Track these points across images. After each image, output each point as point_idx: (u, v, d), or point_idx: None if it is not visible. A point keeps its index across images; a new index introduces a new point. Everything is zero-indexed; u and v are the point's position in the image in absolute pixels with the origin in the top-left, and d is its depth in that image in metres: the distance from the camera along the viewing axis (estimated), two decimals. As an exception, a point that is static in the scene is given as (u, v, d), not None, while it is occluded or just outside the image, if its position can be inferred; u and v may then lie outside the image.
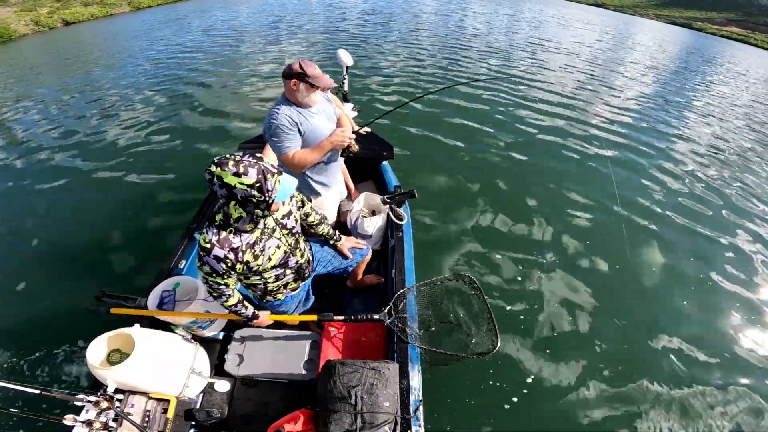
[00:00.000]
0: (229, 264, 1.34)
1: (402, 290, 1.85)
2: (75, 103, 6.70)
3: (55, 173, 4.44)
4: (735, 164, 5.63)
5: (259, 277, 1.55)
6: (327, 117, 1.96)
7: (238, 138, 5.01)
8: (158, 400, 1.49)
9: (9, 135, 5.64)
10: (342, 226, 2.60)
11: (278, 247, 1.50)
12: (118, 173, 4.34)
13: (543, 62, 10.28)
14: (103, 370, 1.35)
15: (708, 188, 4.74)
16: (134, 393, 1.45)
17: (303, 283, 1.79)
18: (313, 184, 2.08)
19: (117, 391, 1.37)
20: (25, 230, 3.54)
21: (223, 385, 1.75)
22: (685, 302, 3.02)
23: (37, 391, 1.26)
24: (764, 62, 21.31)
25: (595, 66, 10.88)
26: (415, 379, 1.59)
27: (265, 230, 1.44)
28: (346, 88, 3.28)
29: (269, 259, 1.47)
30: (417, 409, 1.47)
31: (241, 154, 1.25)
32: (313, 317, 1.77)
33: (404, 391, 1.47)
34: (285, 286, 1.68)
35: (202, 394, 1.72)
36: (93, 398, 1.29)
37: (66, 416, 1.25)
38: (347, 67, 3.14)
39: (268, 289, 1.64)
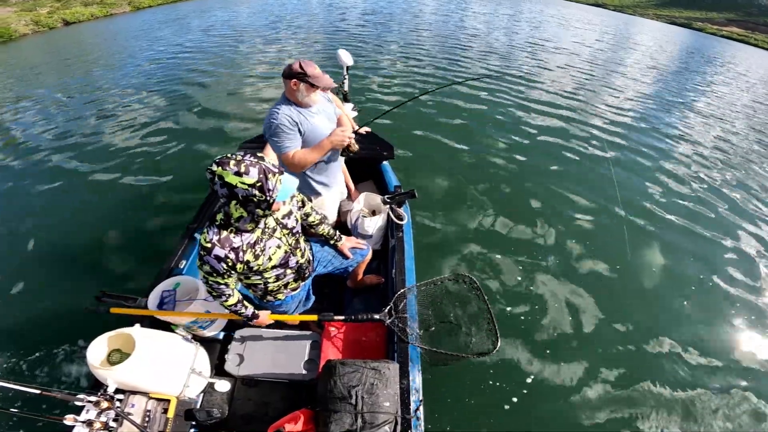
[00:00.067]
0: (230, 264, 1.34)
1: (402, 290, 1.85)
2: (75, 104, 6.70)
3: (54, 174, 4.44)
4: (736, 165, 5.62)
5: (259, 277, 1.55)
6: (327, 117, 1.96)
7: (238, 138, 5.01)
8: (158, 400, 1.49)
9: (9, 135, 5.64)
10: (342, 226, 2.60)
11: (279, 246, 1.50)
12: (118, 174, 4.34)
13: (543, 62, 10.28)
14: (103, 370, 1.35)
15: (709, 190, 4.73)
16: (134, 393, 1.45)
17: (303, 283, 1.79)
18: (314, 184, 2.08)
19: (117, 391, 1.37)
20: (25, 230, 3.53)
21: (223, 385, 1.75)
22: (685, 304, 3.02)
23: (38, 391, 1.26)
24: (765, 62, 21.30)
25: (596, 66, 10.88)
26: (416, 379, 1.59)
27: (266, 230, 1.44)
28: (346, 88, 3.28)
29: (270, 258, 1.47)
30: (417, 409, 1.47)
31: (242, 153, 1.24)
32: (314, 317, 1.77)
33: (404, 391, 1.47)
34: (285, 286, 1.68)
35: (202, 394, 1.71)
36: (93, 398, 1.29)
37: (66, 416, 1.25)
38: (347, 67, 3.13)
39: (269, 289, 1.64)
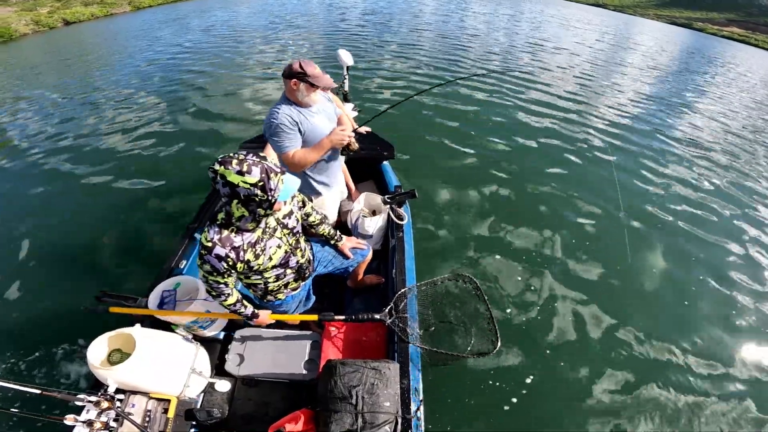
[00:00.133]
0: (230, 263, 1.34)
1: (402, 290, 1.85)
2: (75, 104, 6.70)
3: (53, 174, 4.44)
4: (739, 168, 5.57)
5: (259, 277, 1.55)
6: (327, 116, 1.96)
7: (237, 139, 5.00)
8: (159, 400, 1.49)
9: (8, 136, 5.64)
10: (342, 226, 2.61)
11: (279, 246, 1.50)
12: (118, 175, 4.33)
13: (544, 63, 10.27)
14: (103, 370, 1.35)
15: (711, 192, 4.70)
16: (135, 393, 1.45)
17: (303, 282, 1.79)
18: (314, 183, 2.08)
19: (118, 391, 1.37)
20: (26, 231, 3.54)
21: (223, 385, 1.75)
22: (687, 308, 3.00)
23: (38, 391, 1.26)
24: (765, 63, 21.29)
25: (596, 67, 10.87)
26: (416, 379, 1.59)
27: (267, 230, 1.44)
28: (346, 88, 3.28)
29: (270, 258, 1.47)
30: (417, 408, 1.47)
31: (244, 153, 1.25)
32: (314, 317, 1.77)
33: (405, 391, 1.47)
34: (285, 285, 1.68)
35: (202, 394, 1.72)
36: (94, 398, 1.29)
37: (67, 416, 1.25)
38: (348, 67, 3.13)
39: (269, 288, 1.64)
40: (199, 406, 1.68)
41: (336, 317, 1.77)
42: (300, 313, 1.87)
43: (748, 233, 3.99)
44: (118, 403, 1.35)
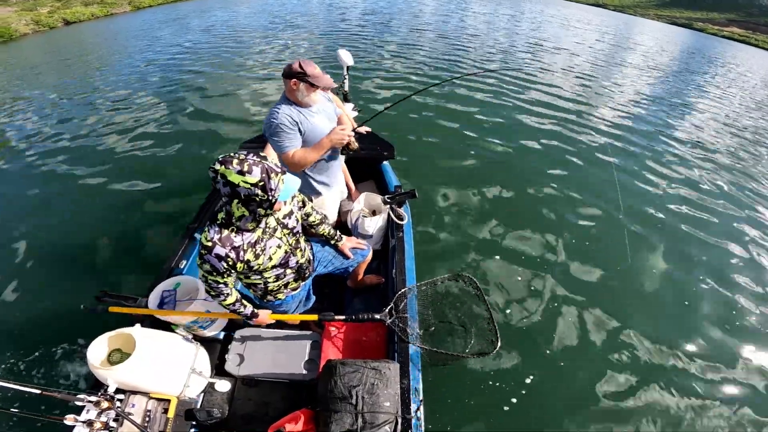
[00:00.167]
0: (230, 262, 1.34)
1: (403, 290, 1.85)
2: (75, 104, 6.70)
3: (53, 175, 4.44)
4: (741, 168, 5.55)
5: (259, 277, 1.55)
6: (327, 116, 1.96)
7: (237, 139, 5.00)
8: (159, 400, 1.49)
9: (8, 135, 5.64)
10: (342, 226, 2.60)
11: (279, 246, 1.50)
12: (118, 175, 4.33)
13: (544, 63, 10.27)
14: (103, 370, 1.35)
15: (711, 193, 4.68)
16: (135, 393, 1.45)
17: (303, 282, 1.79)
18: (315, 183, 2.08)
19: (118, 391, 1.37)
20: (25, 231, 3.54)
21: (223, 385, 1.75)
22: (687, 308, 3.00)
23: (38, 391, 1.26)
24: (766, 63, 21.28)
25: (597, 67, 10.87)
26: (416, 379, 1.59)
27: (267, 230, 1.44)
28: (346, 87, 3.28)
29: (270, 258, 1.47)
30: (418, 409, 1.47)
31: (245, 153, 1.25)
32: (314, 317, 1.77)
33: (405, 391, 1.47)
34: (285, 285, 1.68)
35: (202, 394, 1.72)
36: (94, 398, 1.29)
37: (67, 416, 1.25)
38: (348, 67, 3.13)
39: (269, 288, 1.64)
40: (199, 406, 1.68)
41: (336, 317, 1.77)
42: (300, 313, 1.87)
43: (748, 234, 3.98)
44: (118, 403, 1.36)
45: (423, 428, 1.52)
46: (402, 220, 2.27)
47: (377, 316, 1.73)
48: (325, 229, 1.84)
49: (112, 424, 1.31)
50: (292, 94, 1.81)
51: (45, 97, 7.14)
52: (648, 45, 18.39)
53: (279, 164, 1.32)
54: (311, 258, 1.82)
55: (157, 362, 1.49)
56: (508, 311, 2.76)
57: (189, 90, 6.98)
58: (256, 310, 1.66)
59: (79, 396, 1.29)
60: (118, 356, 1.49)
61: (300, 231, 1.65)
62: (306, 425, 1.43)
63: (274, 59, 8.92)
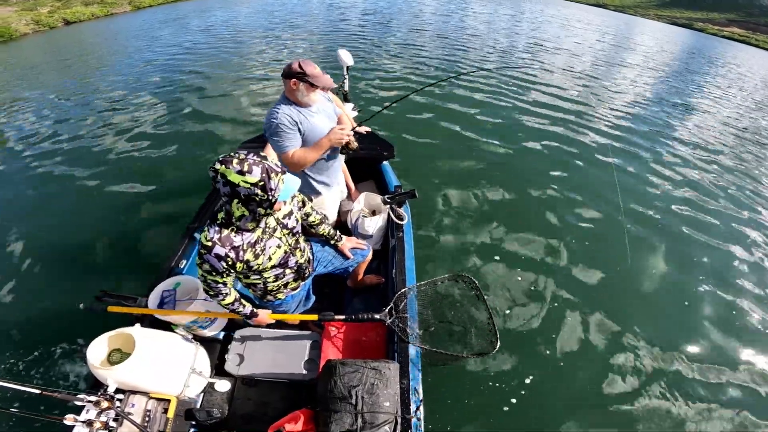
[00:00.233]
0: (230, 262, 1.34)
1: (402, 290, 1.85)
2: (75, 105, 6.71)
3: (52, 174, 4.44)
4: (741, 170, 5.52)
5: (258, 277, 1.55)
6: (327, 116, 1.96)
7: (237, 139, 5.00)
8: (159, 399, 1.49)
9: (8, 136, 5.64)
10: (342, 225, 2.60)
11: (278, 246, 1.50)
12: (117, 175, 4.33)
13: (544, 63, 10.26)
14: (103, 369, 1.35)
15: (712, 195, 4.64)
16: (135, 393, 1.45)
17: (303, 282, 1.79)
18: (314, 183, 2.08)
19: (117, 390, 1.37)
20: (25, 231, 3.54)
21: (223, 385, 1.75)
22: (687, 309, 2.99)
23: (38, 391, 1.26)
24: (766, 63, 21.27)
25: (597, 67, 10.85)
26: (416, 379, 1.59)
27: (266, 230, 1.44)
28: (346, 87, 3.28)
29: (269, 258, 1.47)
30: (417, 409, 1.47)
31: (245, 152, 1.25)
32: (314, 317, 1.77)
33: (405, 391, 1.47)
34: (285, 285, 1.68)
35: (202, 394, 1.72)
36: (93, 398, 1.29)
37: (66, 416, 1.25)
38: (348, 67, 3.13)
39: (268, 288, 1.64)
40: (198, 406, 1.68)
41: (336, 317, 1.77)
42: (300, 313, 1.87)
43: (749, 236, 3.95)
44: (117, 403, 1.35)
45: (423, 428, 1.53)
46: (402, 220, 2.27)
47: (377, 316, 1.73)
48: (325, 229, 1.84)
49: (112, 423, 1.31)
50: (291, 94, 1.81)
51: (45, 97, 7.13)
52: (648, 45, 18.37)
53: (279, 164, 1.32)
54: (311, 258, 1.82)
55: (156, 362, 1.49)
56: (507, 311, 2.76)
57: (188, 90, 6.97)
58: (255, 310, 1.66)
59: (78, 396, 1.29)
60: (117, 356, 1.49)
61: (299, 231, 1.65)
62: (306, 425, 1.43)
63: (274, 59, 8.92)
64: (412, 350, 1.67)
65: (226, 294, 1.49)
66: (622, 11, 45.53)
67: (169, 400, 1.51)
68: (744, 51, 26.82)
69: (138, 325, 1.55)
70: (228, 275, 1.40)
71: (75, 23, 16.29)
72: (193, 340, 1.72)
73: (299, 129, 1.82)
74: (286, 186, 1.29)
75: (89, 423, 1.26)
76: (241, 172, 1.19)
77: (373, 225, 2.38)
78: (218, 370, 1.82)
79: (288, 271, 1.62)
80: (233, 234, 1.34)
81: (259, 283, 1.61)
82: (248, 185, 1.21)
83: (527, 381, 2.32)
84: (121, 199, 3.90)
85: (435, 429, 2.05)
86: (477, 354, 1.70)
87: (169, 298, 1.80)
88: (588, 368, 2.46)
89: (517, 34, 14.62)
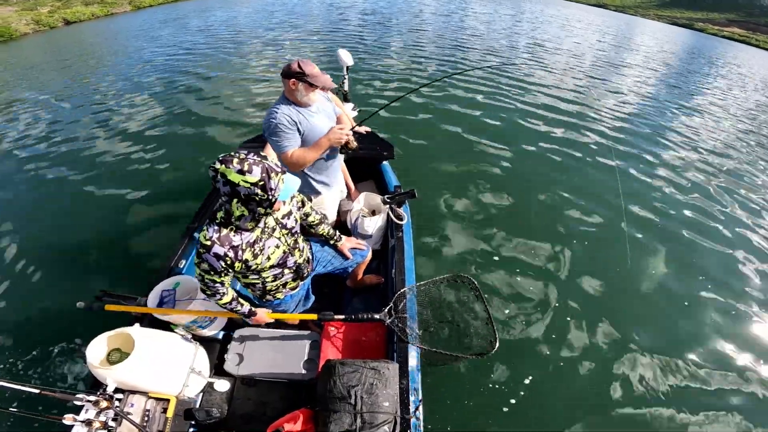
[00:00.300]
0: (229, 262, 1.34)
1: (402, 290, 1.85)
2: (75, 105, 6.70)
3: (51, 175, 4.44)
4: (748, 173, 5.46)
5: (257, 276, 1.55)
6: (326, 116, 1.96)
7: (237, 139, 5.01)
8: (158, 399, 1.49)
9: (8, 136, 5.64)
10: (342, 225, 2.60)
11: (277, 246, 1.50)
12: (117, 175, 4.33)
13: (545, 64, 10.24)
14: (102, 369, 1.35)
15: (713, 197, 4.60)
16: (134, 392, 1.45)
17: (302, 282, 1.79)
18: (314, 183, 2.08)
19: (117, 390, 1.37)
20: (25, 231, 3.54)
21: (222, 385, 1.75)
22: (688, 311, 2.98)
23: (37, 391, 1.26)
24: (767, 63, 21.26)
25: (599, 68, 10.83)
26: (415, 379, 1.59)
27: (266, 229, 1.44)
28: (346, 87, 3.28)
29: (268, 258, 1.47)
30: (417, 409, 1.47)
31: (245, 152, 1.25)
32: (313, 316, 1.77)
33: (404, 391, 1.47)
34: (284, 285, 1.68)
35: (201, 394, 1.72)
36: (92, 398, 1.29)
37: (65, 416, 1.25)
38: (347, 67, 3.13)
39: (267, 288, 1.64)
40: (198, 406, 1.68)
41: (335, 317, 1.76)
42: (299, 313, 1.87)
43: (751, 240, 3.91)
44: (116, 403, 1.35)
45: (422, 428, 1.52)
46: (401, 220, 2.27)
47: (376, 316, 1.73)
48: (325, 229, 1.84)
49: (111, 423, 1.31)
50: (291, 94, 1.81)
51: (45, 97, 7.13)
52: (648, 45, 18.36)
53: (279, 164, 1.31)
54: (310, 258, 1.82)
55: (156, 362, 1.49)
56: (507, 311, 2.76)
57: (188, 91, 6.97)
58: (253, 309, 1.66)
59: (77, 395, 1.29)
60: (117, 356, 1.49)
61: (298, 231, 1.65)
62: (305, 425, 1.43)
63: (274, 59, 8.92)
64: (412, 350, 1.67)
65: (224, 294, 1.48)
66: (623, 11, 45.52)
67: (168, 400, 1.51)
68: (744, 51, 26.81)
69: (137, 324, 1.55)
70: (226, 275, 1.40)
71: (75, 23, 16.31)
72: (192, 340, 1.72)
73: (298, 129, 1.82)
74: (286, 186, 1.29)
75: (88, 422, 1.26)
76: (241, 172, 1.19)
77: (373, 225, 2.38)
78: (217, 369, 1.82)
79: (286, 271, 1.62)
80: (232, 233, 1.33)
81: (258, 283, 1.61)
82: (248, 185, 1.21)
83: (527, 381, 2.32)
84: (120, 200, 3.90)
85: (434, 429, 2.05)
86: (476, 354, 1.70)
87: (168, 297, 1.80)
88: (588, 369, 2.46)
89: (517, 34, 14.61)
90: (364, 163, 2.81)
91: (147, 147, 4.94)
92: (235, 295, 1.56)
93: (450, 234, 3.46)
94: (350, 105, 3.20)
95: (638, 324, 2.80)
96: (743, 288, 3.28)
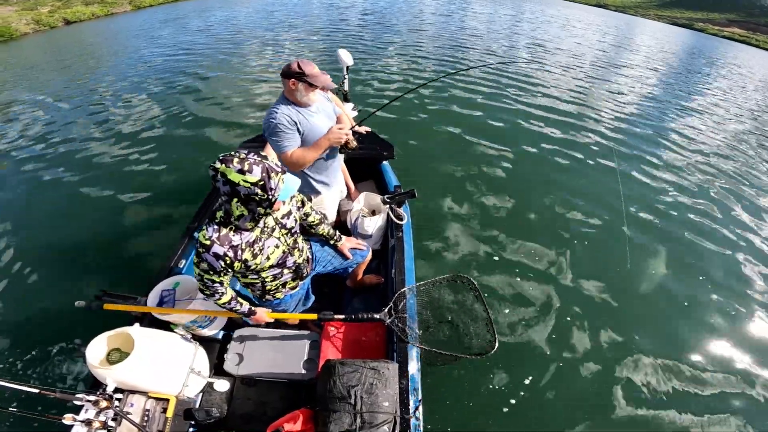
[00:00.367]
0: (228, 261, 1.34)
1: (402, 290, 1.85)
2: (74, 105, 6.71)
3: (51, 175, 4.44)
4: (751, 175, 5.44)
5: (256, 276, 1.55)
6: (326, 116, 1.96)
7: (236, 140, 5.01)
8: (157, 399, 1.49)
9: (7, 136, 5.64)
10: (342, 225, 2.60)
11: (277, 246, 1.50)
12: (116, 176, 4.33)
13: (545, 65, 10.22)
14: (102, 369, 1.35)
15: (715, 200, 4.57)
16: (134, 392, 1.45)
17: (302, 282, 1.79)
18: (314, 183, 2.08)
19: (116, 390, 1.37)
20: (25, 231, 3.54)
21: (222, 385, 1.75)
22: (688, 312, 2.98)
23: (36, 391, 1.25)
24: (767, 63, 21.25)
25: (599, 69, 10.82)
26: (415, 379, 1.59)
27: (265, 229, 1.44)
28: (346, 87, 3.28)
29: (268, 258, 1.47)
30: (416, 409, 1.47)
31: (245, 152, 1.24)
32: (313, 316, 1.77)
33: (404, 391, 1.47)
34: (283, 285, 1.68)
35: (201, 394, 1.72)
36: (92, 397, 1.29)
37: (65, 415, 1.25)
38: (348, 67, 3.13)
39: (267, 288, 1.64)
40: (197, 406, 1.68)
41: (335, 317, 1.76)
42: (299, 313, 1.87)
43: (752, 242, 3.90)
44: (116, 403, 1.36)
45: (422, 428, 1.52)
46: (401, 220, 2.27)
47: (376, 316, 1.73)
48: (325, 229, 1.84)
49: (111, 423, 1.31)
50: (290, 94, 1.81)
51: (44, 98, 7.13)
52: (649, 45, 18.36)
53: (279, 164, 1.31)
54: (309, 257, 1.82)
55: (155, 362, 1.49)
56: (506, 311, 2.76)
57: (188, 92, 6.97)
58: (253, 308, 1.65)
59: (77, 395, 1.29)
60: (117, 356, 1.49)
61: (298, 231, 1.65)
62: (305, 425, 1.43)
63: (274, 59, 8.92)
64: (412, 350, 1.67)
65: (222, 293, 1.48)
66: (623, 11, 45.52)
67: (168, 400, 1.51)
68: (744, 51, 26.80)
69: (137, 324, 1.55)
70: (225, 274, 1.40)
71: (75, 23, 16.31)
72: (192, 340, 1.72)
73: (298, 129, 1.82)
74: (286, 186, 1.29)
75: (88, 422, 1.27)
76: (241, 171, 1.19)
77: (373, 225, 2.38)
78: (217, 369, 1.82)
79: (286, 271, 1.62)
80: (232, 233, 1.33)
81: (257, 283, 1.61)
82: (248, 184, 1.21)
83: (527, 382, 2.32)
84: (120, 200, 3.90)
85: (434, 429, 2.05)
86: (476, 354, 1.70)
87: (168, 297, 1.80)
88: (588, 369, 2.46)
89: (517, 35, 14.61)
90: (364, 163, 2.81)
91: (146, 147, 4.93)
92: (234, 294, 1.56)
93: (450, 234, 3.46)
94: (350, 105, 3.20)
95: (638, 325, 2.80)
96: (744, 289, 3.28)
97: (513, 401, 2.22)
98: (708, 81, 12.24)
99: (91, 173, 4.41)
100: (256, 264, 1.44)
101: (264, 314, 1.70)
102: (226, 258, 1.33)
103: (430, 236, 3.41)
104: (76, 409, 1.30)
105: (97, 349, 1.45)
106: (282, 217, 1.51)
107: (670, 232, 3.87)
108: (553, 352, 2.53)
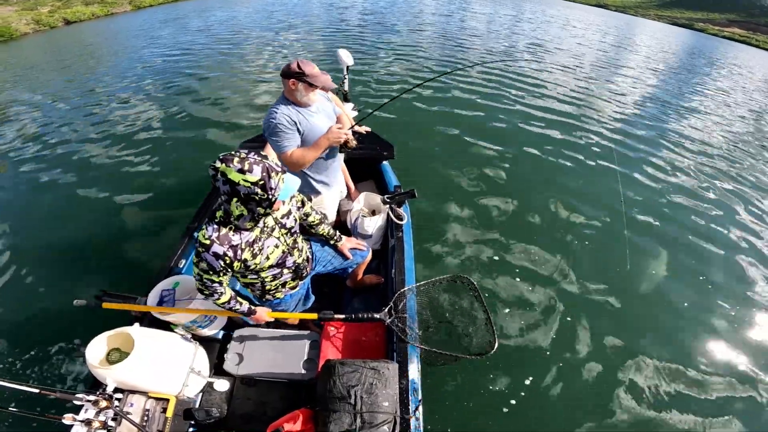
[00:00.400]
0: (227, 261, 1.34)
1: (402, 290, 1.85)
2: (74, 105, 6.70)
3: (50, 176, 4.44)
4: (750, 177, 5.41)
5: (256, 276, 1.55)
6: (326, 116, 1.96)
7: (236, 140, 5.00)
8: (157, 399, 1.49)
9: (7, 136, 5.64)
10: (342, 225, 2.60)
11: (276, 246, 1.50)
12: (116, 176, 4.33)
13: (546, 66, 10.20)
14: (102, 369, 1.35)
15: (716, 202, 4.56)
16: (133, 392, 1.45)
17: (302, 282, 1.79)
18: (314, 183, 2.08)
19: (116, 390, 1.37)
20: (25, 232, 3.54)
21: (222, 385, 1.75)
22: (688, 313, 2.97)
23: (36, 391, 1.25)
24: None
25: (600, 69, 10.81)
26: (415, 379, 1.59)
27: (265, 229, 1.44)
28: (346, 87, 3.28)
29: (267, 258, 1.47)
30: (416, 409, 1.47)
31: (245, 151, 1.24)
32: (313, 316, 1.77)
33: (404, 391, 1.47)
34: (283, 285, 1.68)
35: (201, 394, 1.72)
36: (92, 397, 1.29)
37: (65, 415, 1.25)
38: (348, 67, 3.13)
39: (266, 288, 1.64)
40: (197, 406, 1.68)
41: (335, 316, 1.76)
42: (299, 312, 1.87)
43: (754, 243, 3.89)
44: (116, 403, 1.35)
45: (422, 428, 1.52)
46: (401, 220, 2.27)
47: (376, 316, 1.73)
48: (325, 228, 1.84)
49: (111, 423, 1.31)
50: (290, 94, 1.81)
51: (44, 98, 7.13)
52: (649, 45, 18.36)
53: (279, 163, 1.31)
54: (309, 257, 1.82)
55: (155, 361, 1.49)
56: (506, 311, 2.76)
57: (188, 92, 6.96)
58: (252, 307, 1.65)
59: (77, 395, 1.29)
60: (116, 355, 1.49)
61: (298, 231, 1.65)
62: (304, 425, 1.43)
63: (273, 60, 8.92)
64: (412, 350, 1.67)
65: (221, 293, 1.48)
66: (623, 11, 45.52)
67: (167, 400, 1.51)
68: (745, 51, 26.79)
69: (137, 324, 1.55)
70: (225, 274, 1.40)
71: (75, 23, 16.30)
72: (192, 340, 1.72)
73: (298, 129, 1.82)
74: (286, 186, 1.29)
75: (88, 422, 1.27)
76: (241, 171, 1.19)
77: (373, 225, 2.38)
78: (217, 369, 1.82)
79: (285, 270, 1.62)
80: (231, 233, 1.33)
81: (257, 283, 1.60)
82: (248, 184, 1.21)
83: (527, 382, 2.32)
84: (120, 200, 3.89)
85: (434, 429, 2.05)
86: (476, 354, 1.70)
87: (168, 297, 1.80)
88: (588, 370, 2.46)
89: (517, 35, 14.61)
90: (364, 163, 2.81)
91: (146, 148, 4.93)
92: (233, 294, 1.56)
93: (450, 234, 3.46)
94: (350, 105, 3.20)
95: (638, 325, 2.80)
96: (744, 290, 3.28)
97: (513, 401, 2.22)
98: (708, 81, 12.24)
99: (90, 173, 4.41)
100: (255, 264, 1.43)
101: (264, 313, 1.70)
102: (226, 258, 1.33)
103: (430, 236, 3.41)
104: (76, 409, 1.30)
105: (96, 349, 1.45)
106: (282, 217, 1.51)
107: (670, 232, 3.87)
108: (554, 352, 2.53)
